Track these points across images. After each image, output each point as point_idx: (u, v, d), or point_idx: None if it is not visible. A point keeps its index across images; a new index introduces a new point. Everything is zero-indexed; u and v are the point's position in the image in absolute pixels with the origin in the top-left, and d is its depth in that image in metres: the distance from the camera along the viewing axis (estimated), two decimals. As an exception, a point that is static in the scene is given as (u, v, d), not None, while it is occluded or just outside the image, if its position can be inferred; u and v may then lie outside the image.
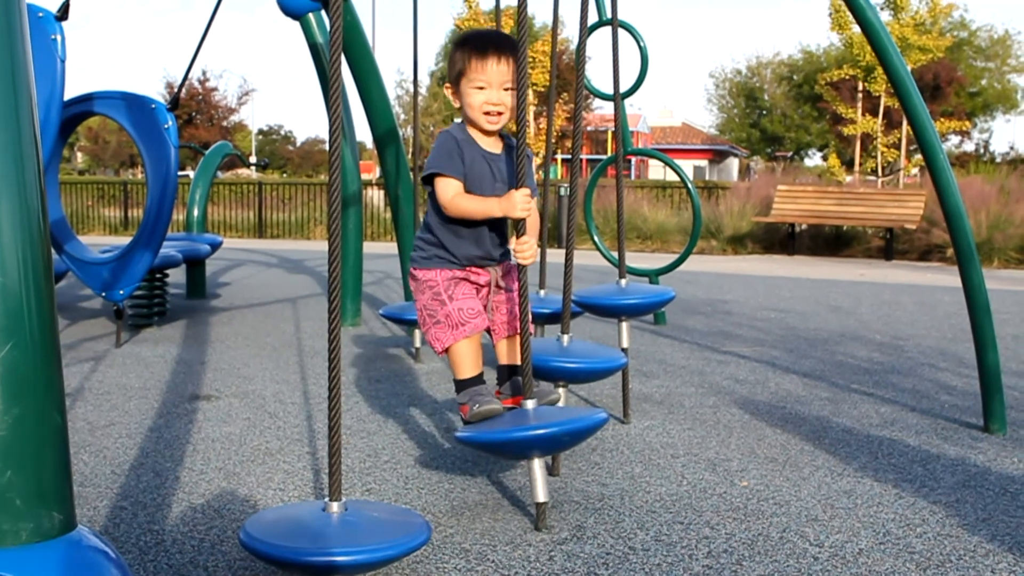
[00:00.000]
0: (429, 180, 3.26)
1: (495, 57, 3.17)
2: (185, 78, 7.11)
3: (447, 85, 3.35)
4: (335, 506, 2.46)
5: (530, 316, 3.19)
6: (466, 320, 3.25)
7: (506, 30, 20.94)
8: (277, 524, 2.49)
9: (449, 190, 3.20)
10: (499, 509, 3.30)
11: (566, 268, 3.61)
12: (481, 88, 3.20)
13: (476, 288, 3.35)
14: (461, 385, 3.30)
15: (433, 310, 3.29)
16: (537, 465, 3.05)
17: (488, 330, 3.38)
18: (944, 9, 25.74)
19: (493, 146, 3.30)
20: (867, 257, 15.51)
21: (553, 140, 6.88)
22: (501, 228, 3.36)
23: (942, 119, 29.77)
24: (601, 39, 6.42)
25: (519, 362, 3.24)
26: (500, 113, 3.20)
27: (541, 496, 3.07)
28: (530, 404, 3.11)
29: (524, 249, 3.10)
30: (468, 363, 3.29)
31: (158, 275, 7.29)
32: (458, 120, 3.38)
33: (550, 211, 13.94)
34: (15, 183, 1.82)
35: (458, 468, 3.77)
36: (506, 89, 3.21)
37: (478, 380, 3.28)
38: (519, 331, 3.13)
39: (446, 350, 3.29)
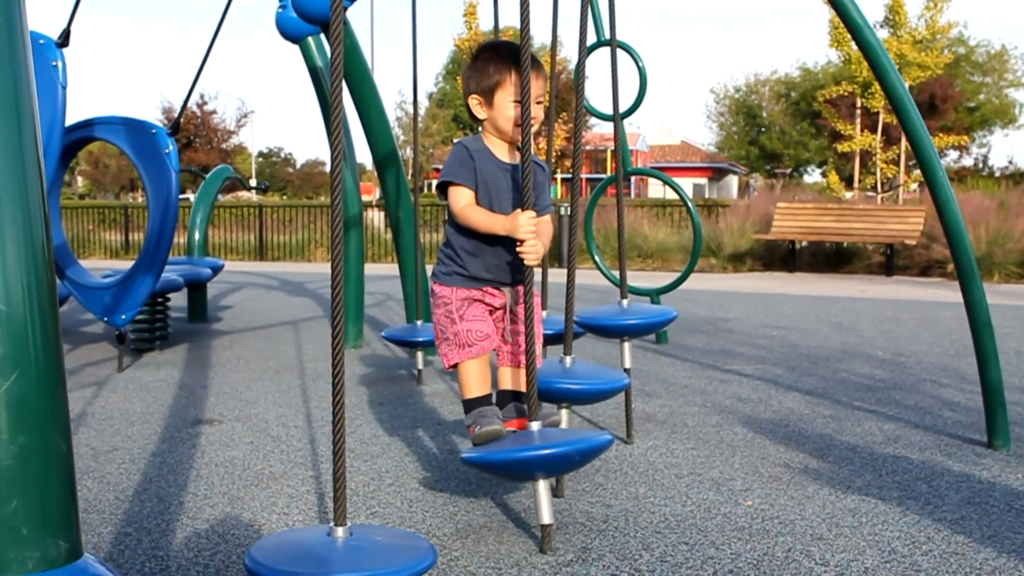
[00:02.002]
0: (443, 188, 3.29)
1: (534, 71, 3.15)
2: (185, 103, 7.13)
3: (474, 95, 3.31)
4: (340, 530, 2.46)
5: (536, 336, 3.19)
6: (473, 342, 3.28)
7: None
8: (282, 549, 2.48)
9: (461, 199, 3.23)
10: (504, 531, 3.29)
11: (568, 289, 3.61)
12: (519, 102, 3.18)
13: (490, 310, 3.36)
14: (468, 405, 3.34)
15: (444, 327, 3.34)
16: (542, 487, 3.05)
17: (496, 352, 3.41)
18: (943, 28, 25.82)
19: (510, 156, 3.31)
20: (868, 273, 15.51)
21: (553, 160, 6.90)
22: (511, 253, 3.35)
23: (940, 134, 29.80)
24: (600, 59, 6.45)
25: (523, 389, 3.26)
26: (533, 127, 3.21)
27: (546, 518, 3.06)
28: (535, 426, 3.11)
29: (528, 249, 3.08)
30: (475, 383, 3.32)
31: (160, 299, 7.30)
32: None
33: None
34: (19, 211, 1.83)
35: (463, 490, 3.76)
36: (539, 103, 3.23)
37: (485, 400, 3.31)
38: (525, 352, 3.13)
39: (454, 366, 3.34)
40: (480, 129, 3.40)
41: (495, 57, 3.28)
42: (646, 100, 6.81)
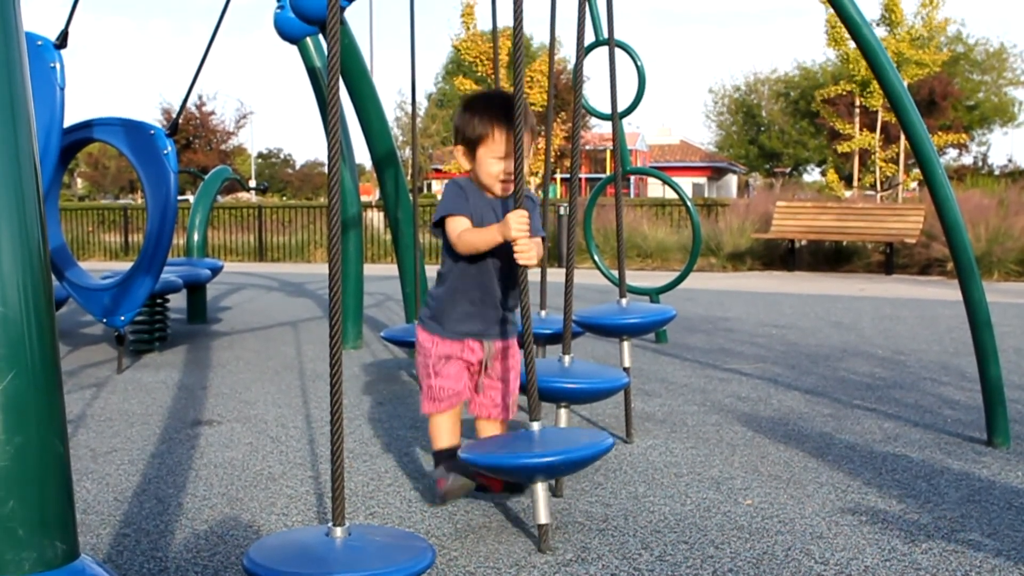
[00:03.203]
0: (440, 224, 3.31)
1: (508, 127, 3.20)
2: (184, 104, 7.13)
3: (458, 146, 3.35)
4: (339, 531, 2.45)
5: (532, 334, 3.19)
6: (443, 398, 3.41)
7: (503, 51, 20.93)
8: (281, 550, 2.48)
9: (457, 226, 3.26)
10: (503, 531, 3.29)
11: (567, 288, 3.61)
12: (500, 159, 3.26)
13: (467, 365, 3.45)
14: (436, 457, 3.47)
15: (421, 375, 3.49)
16: (540, 487, 3.05)
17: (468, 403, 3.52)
18: (940, 24, 25.81)
19: (499, 194, 3.36)
20: (867, 272, 15.51)
21: (552, 159, 6.90)
22: (505, 296, 3.41)
23: (939, 133, 29.81)
24: (598, 59, 6.45)
25: None
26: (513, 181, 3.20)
27: (543, 518, 3.06)
28: (536, 427, 3.11)
29: (522, 247, 3.05)
30: (444, 435, 3.46)
31: (159, 300, 7.30)
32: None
33: (550, 230, 13.95)
34: (15, 213, 1.82)
35: (461, 490, 3.76)
36: (510, 158, 3.27)
37: (453, 453, 3.38)
38: (524, 355, 3.13)
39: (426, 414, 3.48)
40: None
41: (482, 110, 3.29)
42: (645, 99, 6.81)
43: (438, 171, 46.49)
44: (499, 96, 3.38)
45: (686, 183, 48.52)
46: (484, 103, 3.35)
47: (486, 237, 3.18)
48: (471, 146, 3.30)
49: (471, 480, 3.35)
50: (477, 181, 3.35)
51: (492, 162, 3.27)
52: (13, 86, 1.86)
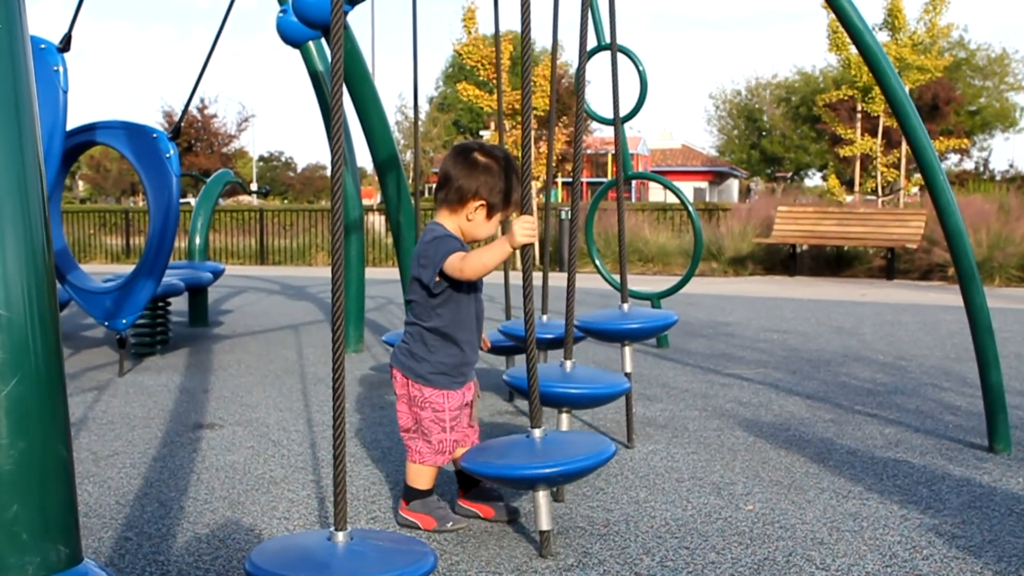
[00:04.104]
0: (440, 273, 3.19)
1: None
2: (186, 107, 7.13)
3: (481, 202, 3.25)
4: (340, 535, 2.46)
5: (534, 339, 3.19)
6: (448, 451, 3.37)
7: (505, 55, 20.91)
8: (282, 554, 2.48)
9: (458, 258, 3.14)
10: (504, 536, 3.29)
11: (568, 293, 3.61)
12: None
13: (468, 407, 3.43)
14: (418, 494, 3.38)
15: (429, 431, 3.34)
16: (542, 494, 3.05)
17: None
18: (943, 30, 25.80)
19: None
20: (869, 277, 15.51)
21: (553, 164, 6.90)
22: (480, 324, 3.44)
23: (941, 138, 29.75)
24: (600, 63, 6.46)
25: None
26: None
27: (545, 524, 3.06)
28: (537, 433, 3.11)
29: (527, 225, 2.97)
30: (431, 480, 3.42)
31: (160, 303, 7.30)
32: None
33: (551, 235, 13.96)
34: (20, 217, 1.83)
35: (463, 494, 3.76)
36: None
37: (433, 492, 3.41)
38: (527, 360, 3.14)
39: (416, 462, 3.38)
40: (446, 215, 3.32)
41: (512, 180, 3.28)
42: (647, 104, 6.81)
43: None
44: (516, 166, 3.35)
45: (687, 187, 48.51)
46: (513, 170, 3.31)
47: (496, 253, 3.07)
48: (493, 210, 3.27)
49: (463, 521, 3.39)
50: (463, 234, 3.29)
51: (494, 226, 3.33)
52: (19, 90, 1.86)
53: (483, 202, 3.25)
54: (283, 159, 75.09)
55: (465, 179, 3.25)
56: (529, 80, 3.07)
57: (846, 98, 27.28)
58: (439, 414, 3.31)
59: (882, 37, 24.76)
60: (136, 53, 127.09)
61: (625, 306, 4.51)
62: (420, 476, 3.38)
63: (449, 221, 3.28)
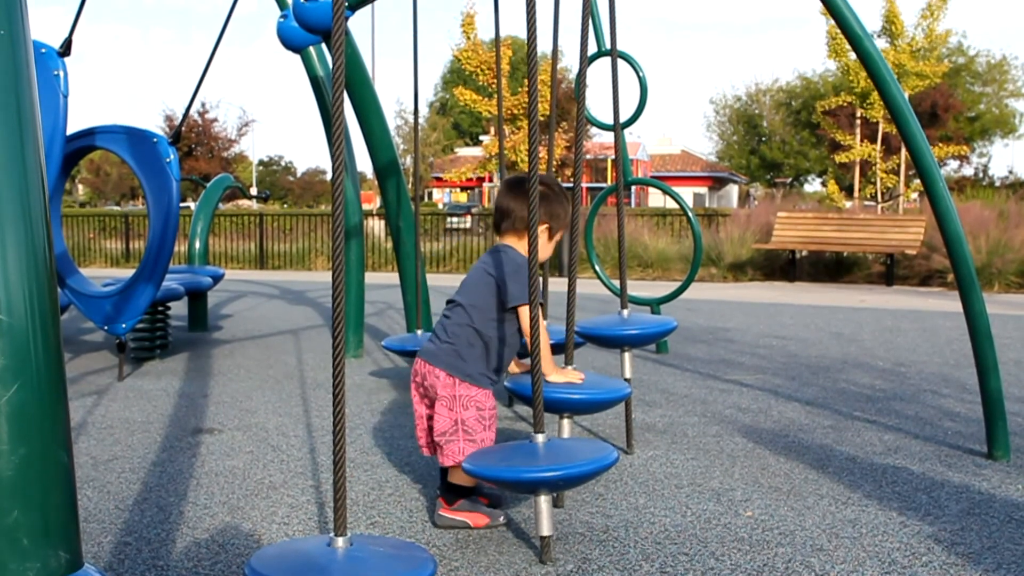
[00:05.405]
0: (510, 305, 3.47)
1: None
2: (187, 112, 7.14)
3: (542, 222, 3.51)
4: (340, 540, 2.45)
5: (540, 348, 3.20)
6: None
7: (504, 59, 20.87)
8: (282, 559, 2.48)
9: (526, 313, 3.40)
10: (504, 542, 3.29)
11: (568, 298, 3.62)
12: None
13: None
14: (465, 492, 3.49)
15: (473, 429, 3.43)
16: (543, 499, 3.05)
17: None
18: (941, 36, 25.83)
19: None
20: (868, 283, 15.51)
21: (553, 169, 6.91)
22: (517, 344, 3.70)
23: (940, 144, 29.80)
24: (600, 69, 6.47)
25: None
26: None
27: (546, 530, 3.06)
28: (540, 438, 3.11)
29: (573, 379, 3.66)
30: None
31: (160, 308, 7.30)
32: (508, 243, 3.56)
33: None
34: (21, 221, 1.82)
35: (462, 500, 3.75)
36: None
37: (477, 489, 3.54)
38: (531, 369, 3.22)
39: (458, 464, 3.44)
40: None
41: (569, 202, 3.64)
42: (646, 110, 6.82)
43: (439, 180, 46.54)
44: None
45: (687, 193, 48.56)
46: (564, 194, 3.65)
47: (549, 362, 3.59)
48: (553, 231, 3.60)
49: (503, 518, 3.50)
50: (523, 247, 3.50)
51: (553, 245, 3.67)
52: (20, 95, 1.86)
53: (546, 225, 3.57)
54: (283, 164, 75.11)
55: (526, 208, 3.42)
56: (535, 84, 3.07)
57: (845, 104, 27.32)
58: (482, 412, 3.44)
59: (881, 43, 24.80)
60: (137, 57, 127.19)
61: (625, 312, 4.51)
62: (465, 477, 3.45)
63: (519, 245, 3.55)
